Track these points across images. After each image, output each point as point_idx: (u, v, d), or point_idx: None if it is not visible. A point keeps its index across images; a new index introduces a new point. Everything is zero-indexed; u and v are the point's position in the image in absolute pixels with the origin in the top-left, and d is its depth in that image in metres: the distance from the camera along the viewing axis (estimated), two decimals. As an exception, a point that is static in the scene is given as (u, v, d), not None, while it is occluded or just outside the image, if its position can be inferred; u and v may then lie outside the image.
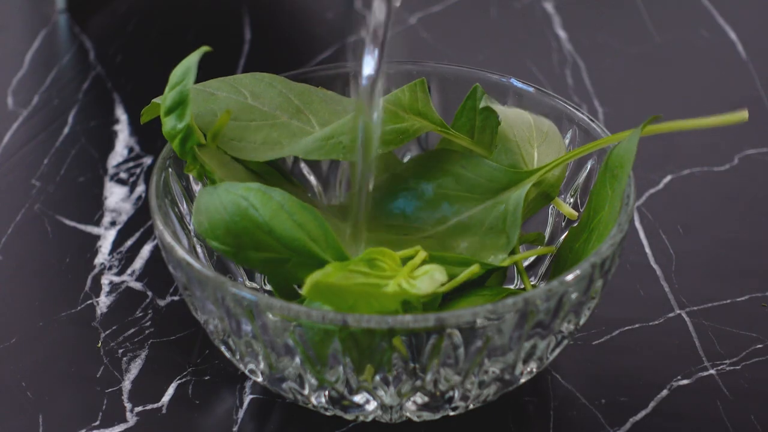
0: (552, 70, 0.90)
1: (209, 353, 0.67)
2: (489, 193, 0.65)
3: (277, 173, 0.67)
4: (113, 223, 0.76)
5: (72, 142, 0.83)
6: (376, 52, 0.61)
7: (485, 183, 0.66)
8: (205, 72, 0.91)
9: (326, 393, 0.60)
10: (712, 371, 0.66)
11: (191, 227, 0.65)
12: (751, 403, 0.65)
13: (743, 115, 0.62)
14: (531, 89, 0.69)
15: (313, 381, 0.59)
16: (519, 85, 0.70)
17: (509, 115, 0.68)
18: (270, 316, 0.57)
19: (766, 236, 0.75)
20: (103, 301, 0.71)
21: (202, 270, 0.59)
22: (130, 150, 0.82)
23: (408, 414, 0.61)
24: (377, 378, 0.58)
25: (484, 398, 0.61)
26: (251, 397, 0.65)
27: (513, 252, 0.64)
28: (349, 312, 0.56)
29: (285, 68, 0.69)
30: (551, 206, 0.69)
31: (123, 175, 0.80)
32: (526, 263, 0.68)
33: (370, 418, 0.61)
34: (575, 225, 0.65)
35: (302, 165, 0.71)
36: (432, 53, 0.92)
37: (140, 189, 0.79)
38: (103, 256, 0.74)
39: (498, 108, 0.67)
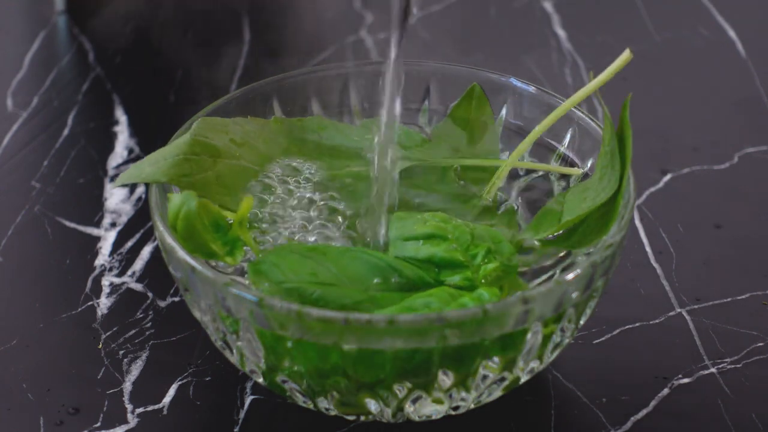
0: (551, 69, 0.89)
1: (210, 354, 0.67)
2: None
3: None
4: (113, 225, 0.76)
5: (72, 143, 0.83)
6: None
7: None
8: (204, 72, 0.91)
9: (327, 393, 0.60)
10: (712, 369, 0.66)
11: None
12: (752, 401, 0.65)
13: (626, 54, 0.64)
14: (531, 89, 0.69)
15: (314, 381, 0.59)
16: (519, 84, 0.70)
17: None
18: (270, 316, 0.57)
19: (767, 234, 0.75)
20: (104, 303, 0.71)
21: (202, 270, 0.58)
22: (130, 151, 0.82)
23: (409, 414, 0.61)
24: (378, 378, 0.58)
25: (484, 398, 0.61)
26: (252, 397, 0.65)
27: None
28: None
29: (285, 68, 0.69)
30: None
31: (123, 176, 0.80)
32: None
33: (370, 418, 0.61)
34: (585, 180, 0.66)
35: None
36: (432, 53, 0.92)
37: (140, 190, 0.79)
38: (103, 258, 0.74)
39: None
